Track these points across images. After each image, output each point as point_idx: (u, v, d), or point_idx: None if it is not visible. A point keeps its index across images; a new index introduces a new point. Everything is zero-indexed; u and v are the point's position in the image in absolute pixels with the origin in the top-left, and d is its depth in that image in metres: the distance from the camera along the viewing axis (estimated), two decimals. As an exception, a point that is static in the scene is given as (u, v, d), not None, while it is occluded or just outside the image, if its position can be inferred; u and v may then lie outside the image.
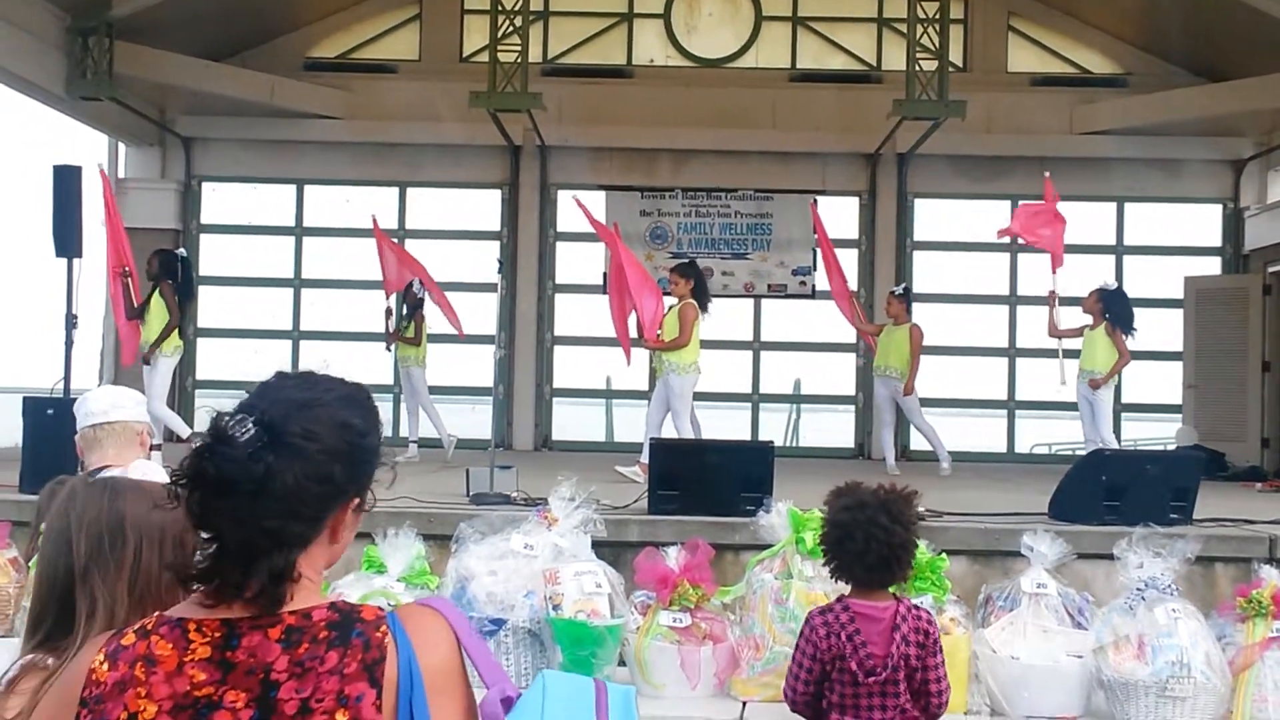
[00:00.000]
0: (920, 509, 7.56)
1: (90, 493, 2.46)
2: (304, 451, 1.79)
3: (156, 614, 1.86)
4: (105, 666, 1.81)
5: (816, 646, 3.92)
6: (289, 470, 1.78)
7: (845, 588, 3.99)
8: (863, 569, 3.95)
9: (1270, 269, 15.31)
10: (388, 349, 12.88)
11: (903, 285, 13.37)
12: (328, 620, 1.82)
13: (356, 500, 1.89)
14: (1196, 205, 16.11)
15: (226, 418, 1.80)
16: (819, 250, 13.37)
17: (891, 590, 4.03)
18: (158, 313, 11.01)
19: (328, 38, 16.27)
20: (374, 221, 12.83)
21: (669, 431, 10.43)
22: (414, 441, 12.56)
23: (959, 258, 16.07)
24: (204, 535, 1.82)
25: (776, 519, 5.28)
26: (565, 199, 16.21)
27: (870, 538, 3.89)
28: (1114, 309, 11.01)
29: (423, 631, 1.84)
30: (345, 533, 1.91)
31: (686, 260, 12.14)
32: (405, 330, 12.64)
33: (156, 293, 11.06)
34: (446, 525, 6.33)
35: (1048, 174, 11.60)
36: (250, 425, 1.78)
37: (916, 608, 4.02)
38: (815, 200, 13.71)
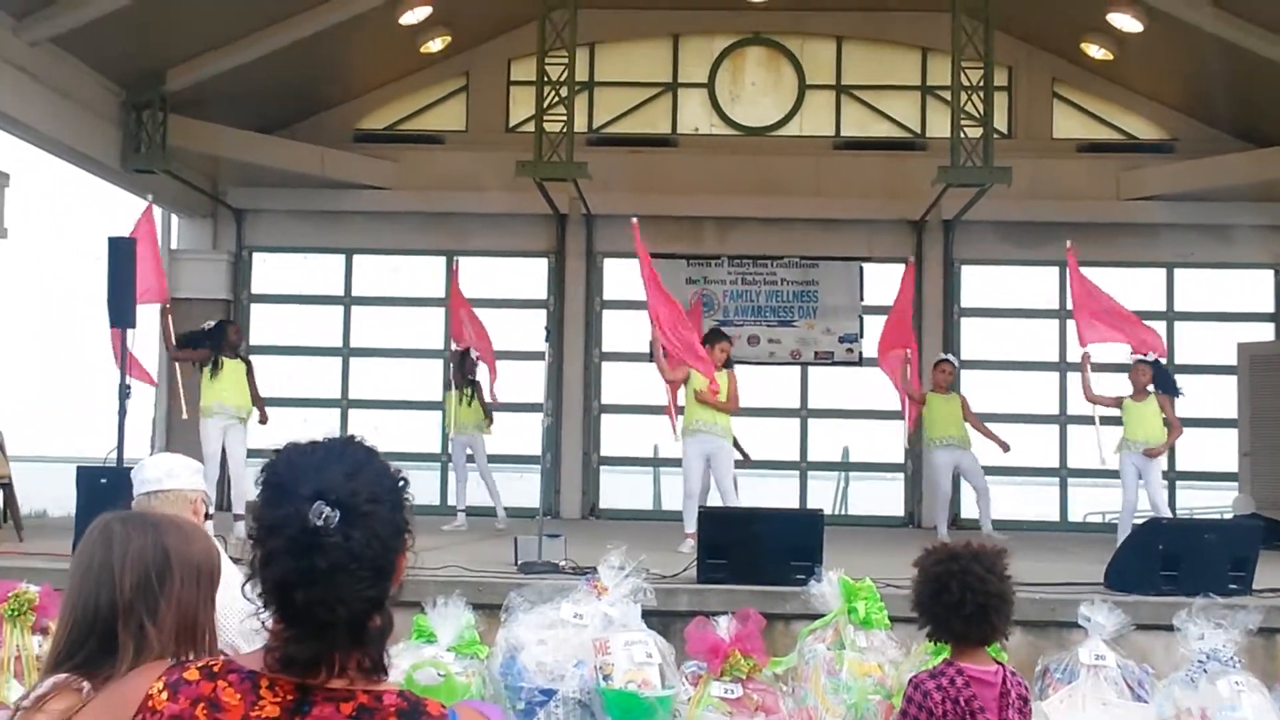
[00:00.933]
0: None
1: (133, 528, 2.47)
2: (376, 514, 1.85)
3: (224, 659, 1.88)
4: (165, 696, 1.82)
5: (931, 713, 3.73)
6: (373, 537, 1.84)
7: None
8: (960, 621, 3.80)
9: (1326, 334, 15.14)
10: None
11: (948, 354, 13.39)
12: (397, 707, 1.84)
13: (408, 536, 1.95)
14: (1247, 270, 15.97)
15: (304, 511, 1.82)
16: (891, 311, 13.14)
17: (991, 652, 3.92)
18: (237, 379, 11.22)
19: (376, 109, 16.50)
20: (455, 276, 12.88)
21: (715, 498, 10.40)
22: (462, 510, 12.56)
23: (1007, 324, 15.99)
24: (293, 626, 1.83)
25: (828, 588, 5.23)
26: (611, 267, 16.30)
27: (966, 588, 3.76)
28: (1163, 380, 10.95)
29: None
30: (404, 570, 1.97)
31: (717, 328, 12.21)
32: (468, 400, 12.65)
33: (238, 360, 11.26)
34: (496, 594, 6.31)
35: (1069, 243, 11.51)
36: (327, 510, 1.82)
37: (1015, 673, 3.92)
38: (909, 260, 13.64)
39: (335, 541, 1.80)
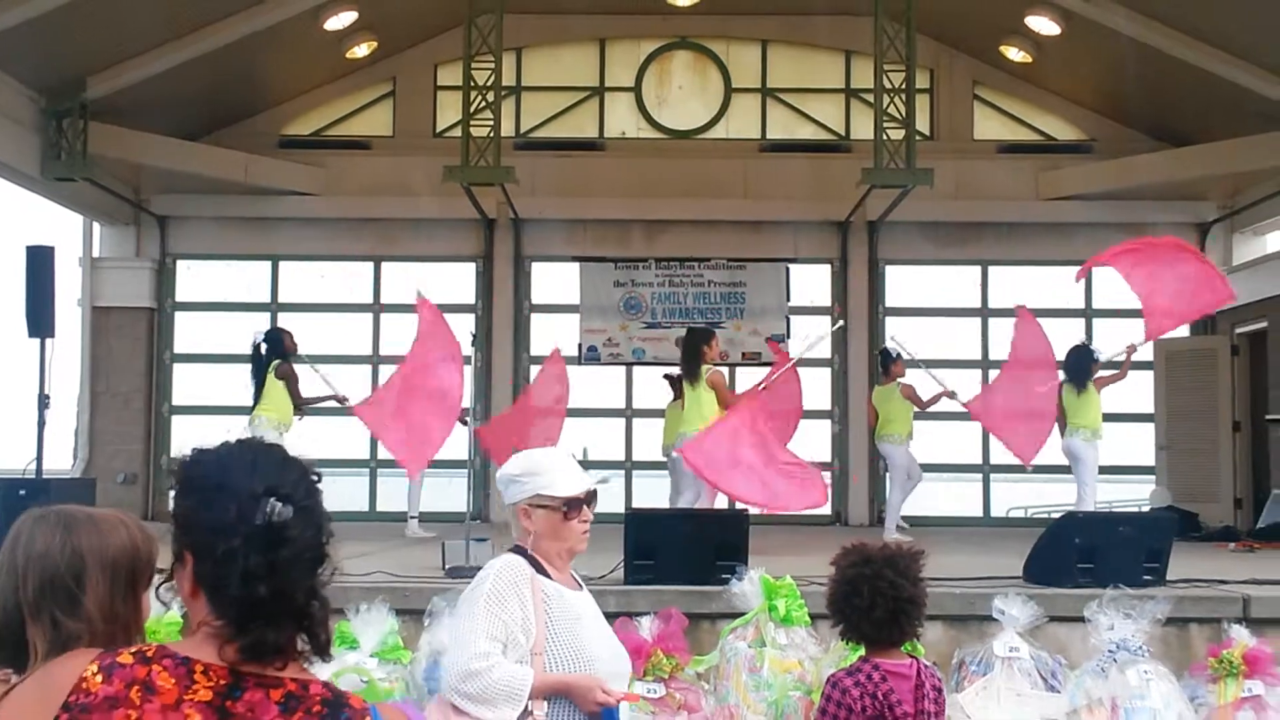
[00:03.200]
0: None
1: (42, 528, 2.47)
2: (315, 510, 1.96)
3: (157, 645, 1.91)
4: (99, 678, 1.84)
5: (850, 709, 3.82)
6: (314, 529, 1.94)
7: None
8: (870, 625, 3.90)
9: (1238, 330, 15.48)
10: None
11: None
12: (322, 697, 1.91)
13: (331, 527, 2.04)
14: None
15: (254, 509, 1.90)
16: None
17: (906, 648, 4.00)
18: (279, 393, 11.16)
19: (302, 115, 16.40)
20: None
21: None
22: (414, 517, 12.41)
23: (931, 323, 16.19)
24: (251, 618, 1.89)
25: (749, 587, 5.30)
26: (539, 270, 16.33)
27: (877, 592, 3.85)
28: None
29: None
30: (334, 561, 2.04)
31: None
32: None
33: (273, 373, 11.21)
34: (421, 600, 6.30)
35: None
36: (279, 506, 1.91)
37: (928, 665, 4.01)
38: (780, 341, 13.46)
39: (294, 535, 1.89)
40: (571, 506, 3.71)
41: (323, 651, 1.95)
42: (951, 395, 12.10)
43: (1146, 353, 15.41)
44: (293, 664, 1.93)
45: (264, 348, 11.48)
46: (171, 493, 2.02)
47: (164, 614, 4.75)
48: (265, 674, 1.88)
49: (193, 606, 1.94)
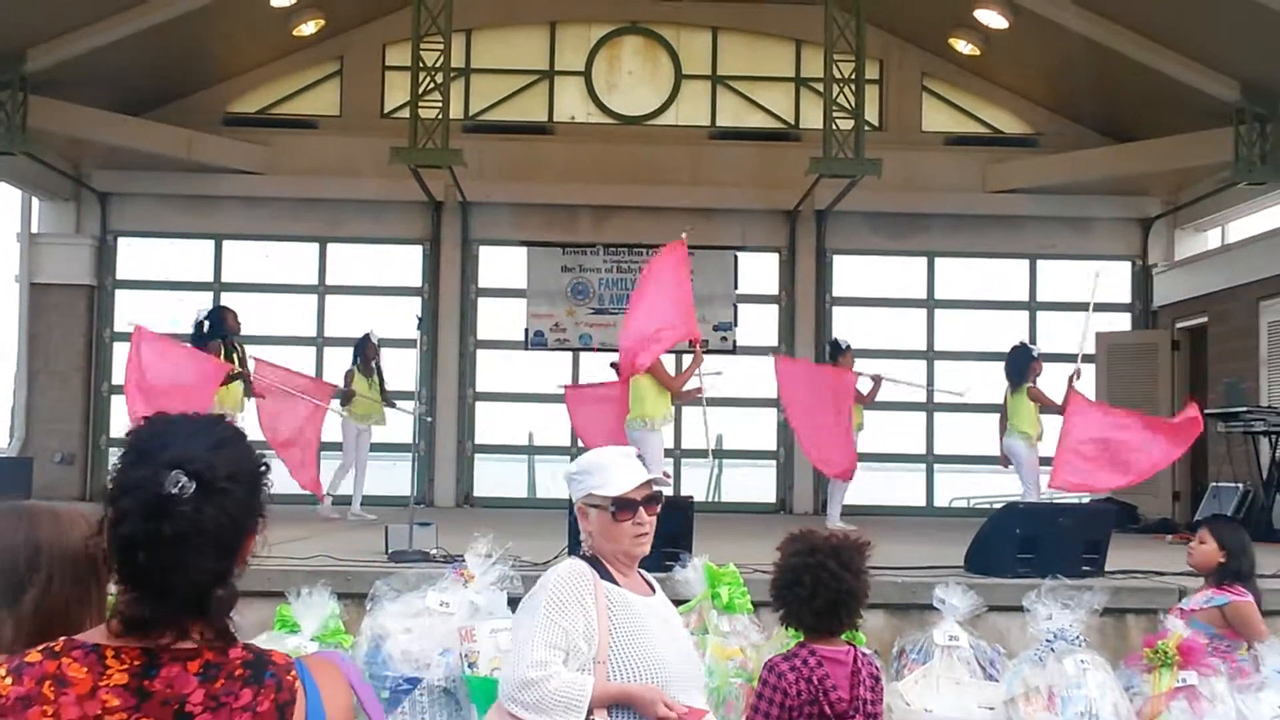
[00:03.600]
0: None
1: (5, 516, 2.41)
2: (232, 493, 1.91)
3: (64, 638, 1.89)
4: (9, 680, 1.82)
5: (786, 694, 3.84)
6: (223, 513, 1.89)
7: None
8: (810, 614, 3.92)
9: (1178, 325, 15.68)
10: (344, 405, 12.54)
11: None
12: (243, 659, 1.90)
13: (261, 521, 2.00)
14: (1106, 262, 16.44)
15: (160, 477, 1.87)
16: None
17: (845, 636, 4.01)
18: None
19: (248, 93, 16.21)
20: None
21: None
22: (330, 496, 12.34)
23: (877, 313, 16.28)
24: (135, 588, 1.87)
25: (693, 574, 5.30)
26: (487, 254, 16.26)
27: (819, 583, 3.88)
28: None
29: (327, 680, 1.96)
30: (250, 553, 2.00)
31: None
32: (373, 387, 12.42)
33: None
34: (364, 584, 6.27)
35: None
36: (184, 479, 1.86)
37: (866, 653, 4.04)
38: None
39: (184, 511, 1.85)
40: (621, 508, 3.49)
41: (224, 638, 1.91)
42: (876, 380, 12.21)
43: (1089, 345, 15.61)
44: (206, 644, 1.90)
45: (206, 326, 11.33)
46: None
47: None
48: (180, 647, 1.86)
49: (113, 575, 1.93)
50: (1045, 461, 11.38)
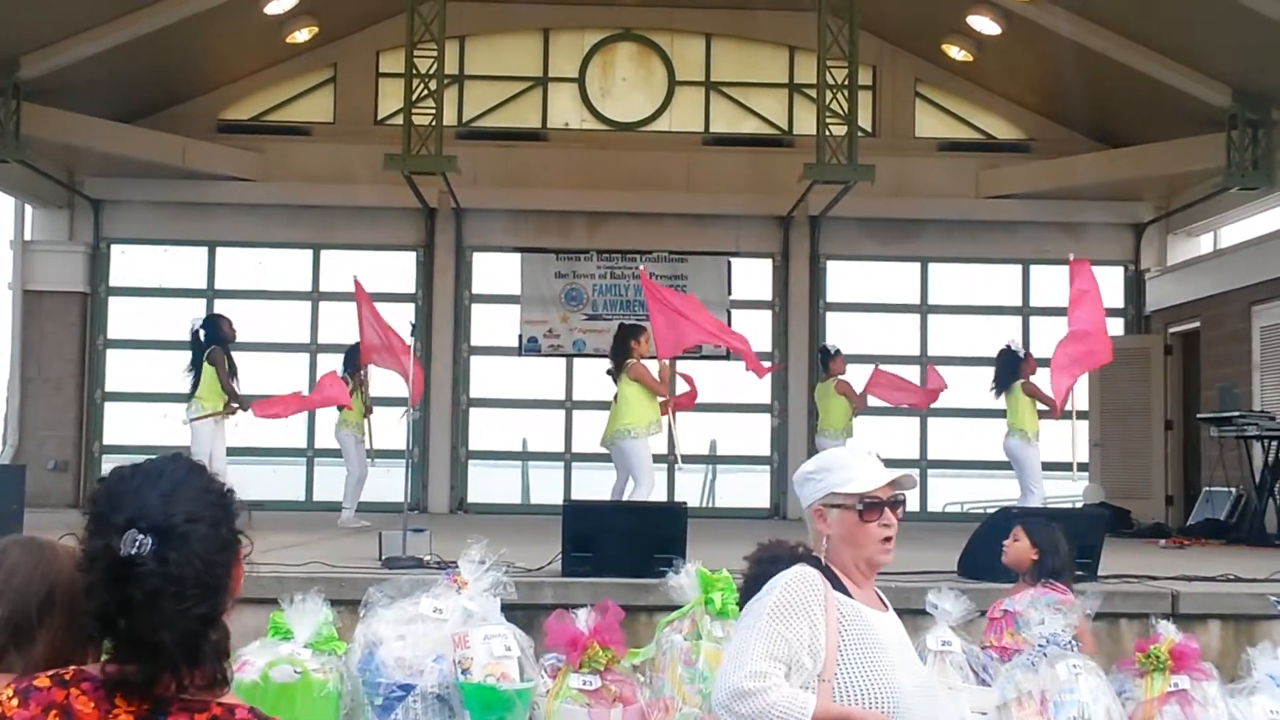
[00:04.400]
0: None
1: (26, 555, 2.40)
2: (195, 533, 1.86)
3: (75, 668, 1.86)
4: (15, 702, 1.80)
5: None
6: (193, 556, 1.84)
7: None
8: None
9: (1171, 330, 15.71)
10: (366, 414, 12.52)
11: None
12: None
13: (241, 546, 1.96)
14: (1099, 267, 16.42)
15: (116, 543, 1.83)
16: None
17: None
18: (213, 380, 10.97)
19: (241, 100, 16.22)
20: (356, 284, 11.52)
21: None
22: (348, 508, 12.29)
23: (871, 318, 16.31)
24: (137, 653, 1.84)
25: (685, 580, 5.30)
26: (480, 260, 16.28)
27: None
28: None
29: None
30: (240, 580, 1.97)
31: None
32: (359, 394, 12.36)
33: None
34: (357, 590, 6.24)
35: (1072, 256, 11.12)
36: (142, 537, 1.82)
37: None
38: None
39: (150, 569, 1.81)
40: (869, 506, 3.18)
41: (220, 684, 1.88)
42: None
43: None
44: (220, 688, 1.88)
45: (202, 334, 11.32)
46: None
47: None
48: (189, 698, 1.84)
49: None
50: (1049, 466, 11.47)
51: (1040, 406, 11.22)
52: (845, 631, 3.09)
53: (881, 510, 3.20)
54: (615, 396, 10.36)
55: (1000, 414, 15.42)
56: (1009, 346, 11.73)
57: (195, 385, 11.10)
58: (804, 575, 3.14)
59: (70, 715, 1.79)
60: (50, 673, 1.84)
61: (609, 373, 10.62)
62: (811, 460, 3.40)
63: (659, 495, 10.74)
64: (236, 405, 11.09)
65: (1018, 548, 6.23)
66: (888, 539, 3.23)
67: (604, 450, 10.72)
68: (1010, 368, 11.31)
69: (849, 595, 3.16)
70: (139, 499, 1.87)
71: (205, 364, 11.08)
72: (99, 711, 1.80)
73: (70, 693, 1.81)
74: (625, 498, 9.97)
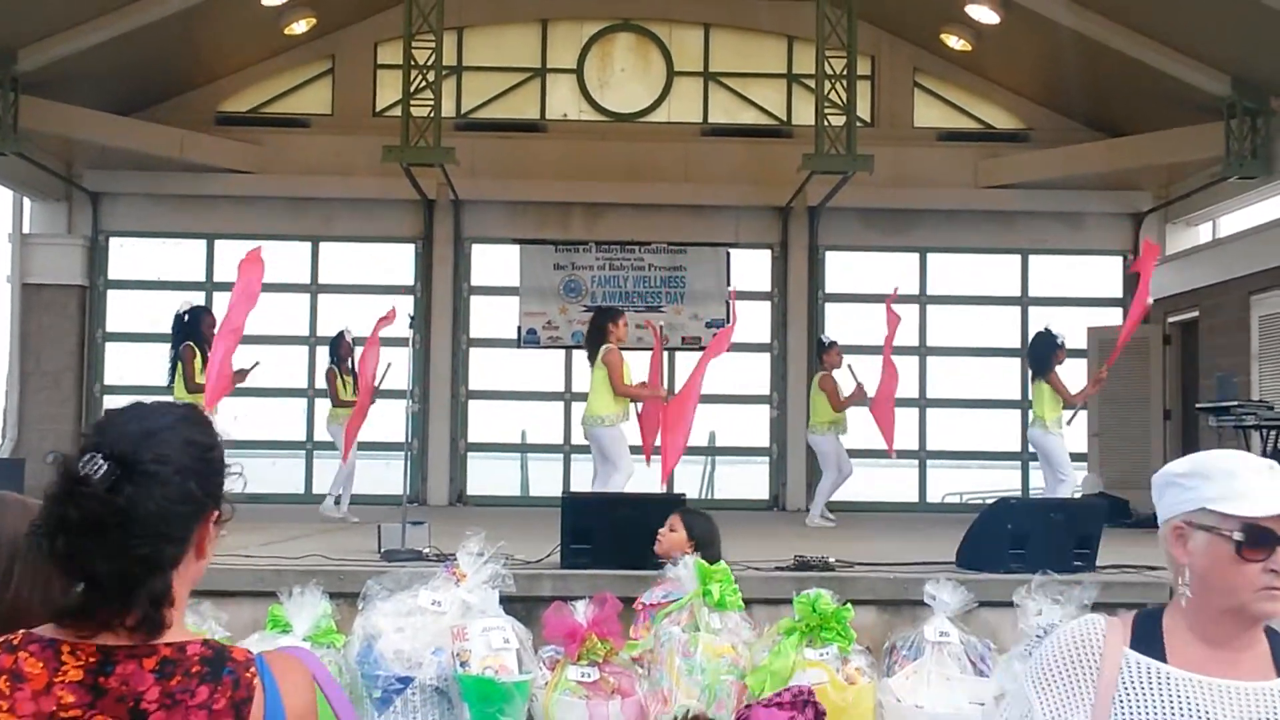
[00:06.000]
0: (830, 558, 7.66)
1: (9, 512, 2.40)
2: (159, 475, 1.85)
3: (24, 631, 1.87)
4: None
5: None
6: (150, 497, 1.83)
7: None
8: None
9: (1170, 319, 15.70)
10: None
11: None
12: (201, 655, 1.86)
13: (216, 513, 1.95)
14: (1098, 257, 16.50)
15: (76, 459, 1.84)
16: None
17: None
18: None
19: (239, 92, 16.20)
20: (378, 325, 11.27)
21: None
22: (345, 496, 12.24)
23: (870, 309, 16.26)
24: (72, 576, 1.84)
25: (684, 571, 5.31)
26: (479, 252, 16.27)
27: None
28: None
29: (288, 676, 1.92)
30: (209, 546, 1.95)
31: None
32: (349, 388, 12.32)
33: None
34: (356, 583, 6.26)
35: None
36: (101, 461, 1.82)
37: None
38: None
39: (93, 493, 1.81)
40: (1255, 539, 2.24)
41: (152, 628, 1.84)
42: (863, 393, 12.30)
43: (1080, 340, 15.66)
44: (174, 629, 1.87)
45: (186, 319, 10.99)
46: None
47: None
48: (136, 645, 1.84)
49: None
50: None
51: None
52: (1125, 709, 2.28)
53: (1274, 548, 2.24)
54: (590, 384, 10.24)
55: (1000, 404, 15.55)
56: (1046, 330, 11.54)
57: (172, 375, 10.97)
58: (1084, 629, 2.39)
59: (20, 678, 1.80)
60: (0, 640, 1.85)
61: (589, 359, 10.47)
62: (1183, 460, 2.46)
63: (637, 485, 10.48)
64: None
65: (673, 538, 6.18)
66: (1272, 588, 2.25)
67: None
68: (1047, 353, 11.22)
69: (1163, 660, 2.31)
70: (119, 429, 1.88)
71: (177, 359, 10.93)
72: (48, 671, 1.80)
73: (18, 656, 1.82)
74: (606, 487, 9.90)
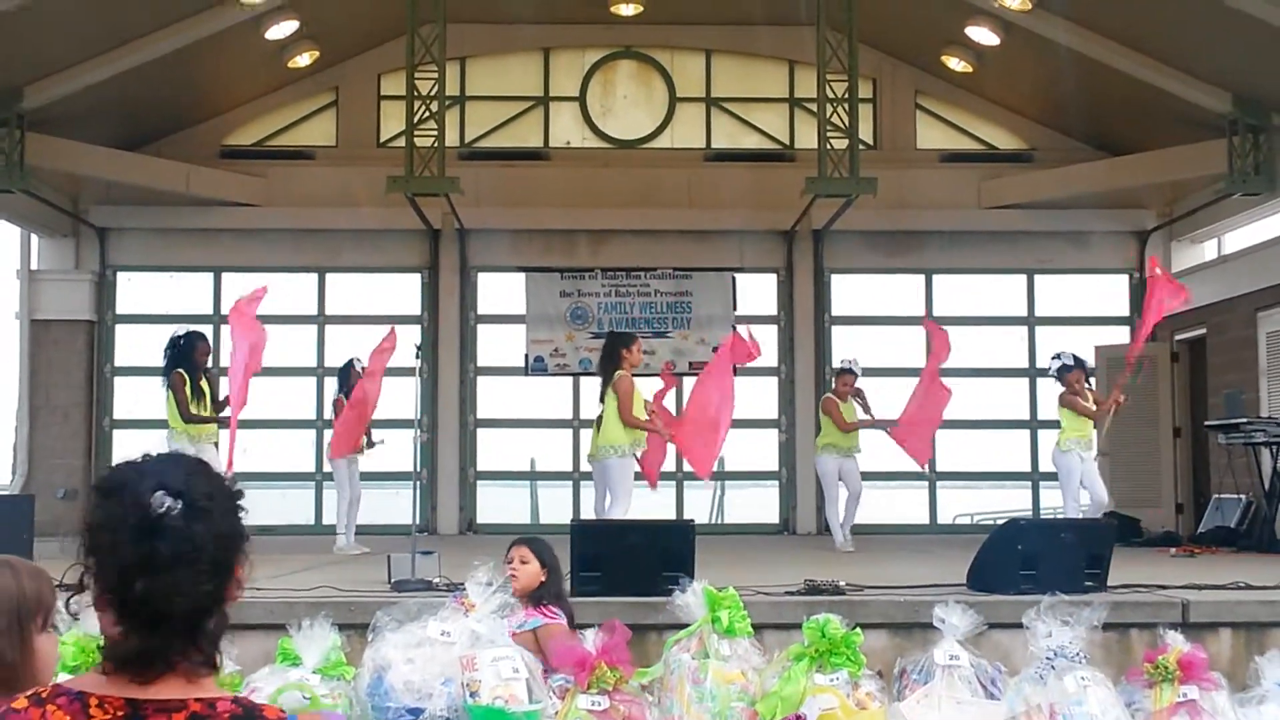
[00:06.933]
0: (840, 582, 7.64)
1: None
2: (213, 511, 1.88)
3: (54, 685, 1.86)
4: None
5: None
6: (212, 531, 1.86)
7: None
8: None
9: (1177, 337, 15.69)
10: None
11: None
12: (231, 713, 1.83)
13: (246, 545, 1.97)
14: (1104, 276, 16.49)
15: (145, 499, 1.85)
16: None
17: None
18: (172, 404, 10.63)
19: (244, 125, 16.28)
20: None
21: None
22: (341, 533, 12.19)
23: (876, 331, 16.29)
24: (128, 620, 1.84)
25: (693, 598, 5.31)
26: (485, 281, 16.30)
27: None
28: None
29: None
30: (242, 583, 1.97)
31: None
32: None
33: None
34: (366, 614, 6.25)
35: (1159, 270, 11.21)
36: (168, 499, 1.84)
37: None
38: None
39: (177, 527, 1.83)
40: None
41: (208, 666, 1.87)
42: (875, 424, 12.33)
43: (1087, 359, 15.61)
44: (198, 683, 1.86)
45: (181, 344, 10.85)
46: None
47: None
48: (166, 699, 1.82)
49: (102, 620, 1.89)
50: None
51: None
52: None
53: None
54: (601, 410, 10.19)
55: (1009, 424, 15.48)
56: (1059, 356, 11.51)
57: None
58: None
59: None
60: (29, 693, 1.84)
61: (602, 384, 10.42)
62: None
63: (642, 512, 10.45)
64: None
65: (529, 570, 6.04)
66: None
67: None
68: (1059, 375, 11.29)
69: None
70: (163, 472, 1.90)
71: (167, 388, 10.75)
72: None
73: (46, 710, 1.80)
74: (605, 517, 9.85)
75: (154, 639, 1.82)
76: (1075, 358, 11.36)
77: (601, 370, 10.39)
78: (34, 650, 2.42)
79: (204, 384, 10.85)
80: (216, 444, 10.76)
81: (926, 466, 16.05)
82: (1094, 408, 11.09)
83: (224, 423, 10.83)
